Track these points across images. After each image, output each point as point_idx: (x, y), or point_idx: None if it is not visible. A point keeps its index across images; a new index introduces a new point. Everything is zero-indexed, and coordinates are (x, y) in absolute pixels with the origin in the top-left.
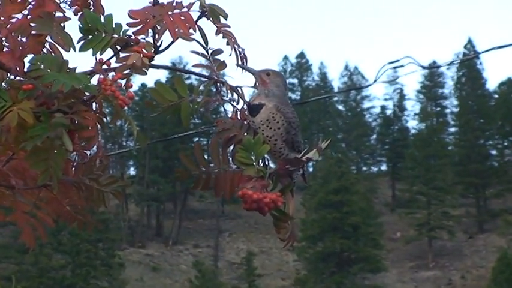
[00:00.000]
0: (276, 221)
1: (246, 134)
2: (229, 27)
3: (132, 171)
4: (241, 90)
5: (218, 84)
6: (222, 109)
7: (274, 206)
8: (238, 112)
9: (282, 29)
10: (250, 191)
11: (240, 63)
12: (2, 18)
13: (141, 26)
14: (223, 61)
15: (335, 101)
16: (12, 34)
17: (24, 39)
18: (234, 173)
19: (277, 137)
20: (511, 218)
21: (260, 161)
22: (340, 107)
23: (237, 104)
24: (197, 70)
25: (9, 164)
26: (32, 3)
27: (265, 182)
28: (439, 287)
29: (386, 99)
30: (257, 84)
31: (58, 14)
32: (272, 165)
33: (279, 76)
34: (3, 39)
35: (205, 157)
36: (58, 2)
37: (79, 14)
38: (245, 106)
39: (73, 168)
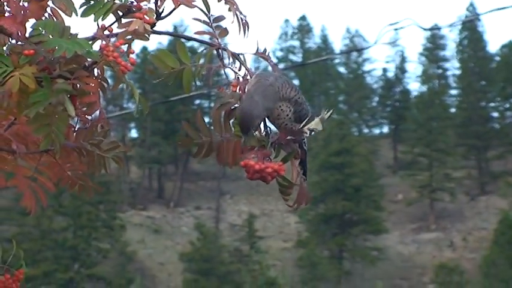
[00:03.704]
0: (281, 188)
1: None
2: None
3: (134, 133)
4: (243, 57)
5: (220, 50)
6: (223, 72)
7: (277, 175)
8: (240, 79)
9: None
10: (252, 161)
11: (241, 30)
12: None
13: None
14: (225, 28)
15: (336, 63)
16: None
17: (26, 4)
18: (237, 142)
19: (287, 121)
20: None
21: (262, 129)
22: (342, 69)
23: (239, 70)
24: (199, 37)
25: (11, 129)
26: None
27: (267, 151)
28: (440, 248)
29: (387, 62)
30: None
31: None
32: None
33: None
34: (5, 3)
35: (207, 124)
36: None
37: None
38: (246, 73)
39: (74, 134)
